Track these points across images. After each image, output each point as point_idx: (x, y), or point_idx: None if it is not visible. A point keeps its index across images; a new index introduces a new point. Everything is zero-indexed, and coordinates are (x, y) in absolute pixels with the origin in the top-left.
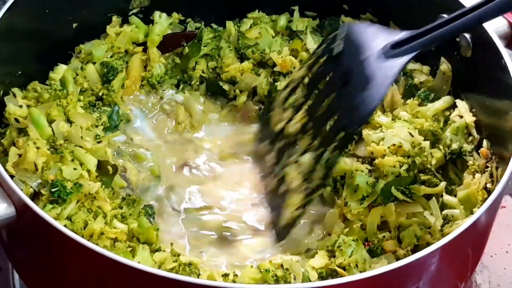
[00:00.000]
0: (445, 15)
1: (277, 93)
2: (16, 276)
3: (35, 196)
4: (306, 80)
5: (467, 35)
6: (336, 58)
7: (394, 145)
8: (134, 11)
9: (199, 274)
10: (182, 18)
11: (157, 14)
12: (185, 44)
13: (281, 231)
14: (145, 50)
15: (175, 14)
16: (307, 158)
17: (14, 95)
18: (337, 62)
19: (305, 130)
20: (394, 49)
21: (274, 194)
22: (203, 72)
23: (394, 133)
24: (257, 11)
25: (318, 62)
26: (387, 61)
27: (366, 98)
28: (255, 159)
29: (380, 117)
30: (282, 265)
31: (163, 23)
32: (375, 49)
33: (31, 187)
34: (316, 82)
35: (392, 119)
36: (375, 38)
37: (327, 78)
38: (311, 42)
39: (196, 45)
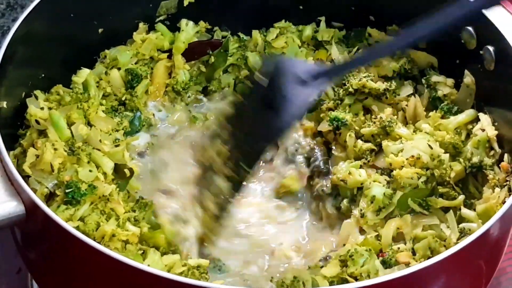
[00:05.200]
0: (470, 28)
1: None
2: None
3: (50, 197)
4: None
5: (491, 48)
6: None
7: (412, 156)
8: (161, 18)
9: (207, 278)
10: (209, 26)
11: (184, 21)
12: (210, 52)
13: None
14: (170, 57)
15: (202, 23)
16: (221, 184)
17: (36, 97)
18: (261, 92)
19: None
20: (313, 79)
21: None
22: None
23: (413, 145)
24: (283, 21)
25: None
26: (306, 88)
27: (283, 118)
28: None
29: (400, 129)
30: None
31: (189, 31)
32: (296, 78)
33: (47, 187)
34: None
35: (414, 131)
36: (297, 68)
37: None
38: (336, 53)
39: (223, 54)
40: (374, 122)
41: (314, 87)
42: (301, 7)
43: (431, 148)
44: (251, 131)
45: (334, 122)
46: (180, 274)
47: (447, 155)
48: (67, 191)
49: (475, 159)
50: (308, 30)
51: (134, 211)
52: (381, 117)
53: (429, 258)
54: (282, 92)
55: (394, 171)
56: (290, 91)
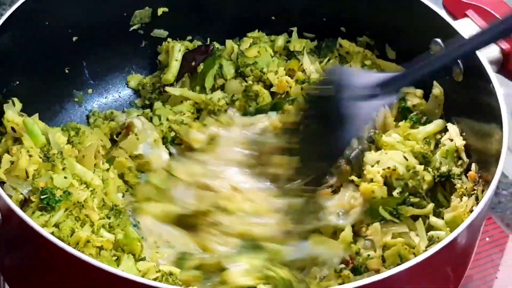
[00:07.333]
0: (438, 39)
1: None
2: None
3: (25, 203)
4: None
5: (459, 60)
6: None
7: (388, 168)
8: (135, 27)
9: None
10: (191, 45)
11: (170, 46)
12: (195, 60)
13: None
14: None
15: (184, 42)
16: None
17: (14, 104)
18: (323, 104)
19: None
20: (380, 89)
21: None
22: None
23: (389, 156)
24: (256, 31)
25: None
26: (370, 101)
27: (344, 137)
28: None
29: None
30: None
31: (178, 56)
32: (359, 92)
33: (22, 193)
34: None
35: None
36: (360, 79)
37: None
38: (308, 63)
39: (211, 61)
40: None
41: (380, 99)
42: (273, 18)
43: (407, 159)
44: (310, 151)
45: None
46: (154, 280)
47: (422, 166)
48: (42, 197)
49: (443, 169)
50: (280, 40)
51: (109, 218)
52: None
53: (398, 265)
54: (344, 110)
55: None
56: (352, 109)
